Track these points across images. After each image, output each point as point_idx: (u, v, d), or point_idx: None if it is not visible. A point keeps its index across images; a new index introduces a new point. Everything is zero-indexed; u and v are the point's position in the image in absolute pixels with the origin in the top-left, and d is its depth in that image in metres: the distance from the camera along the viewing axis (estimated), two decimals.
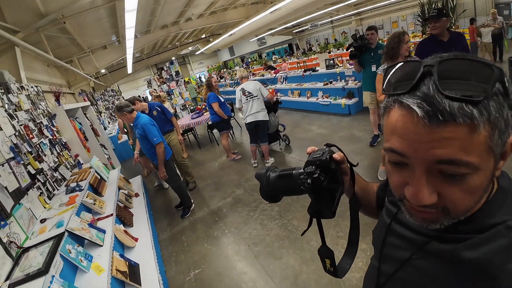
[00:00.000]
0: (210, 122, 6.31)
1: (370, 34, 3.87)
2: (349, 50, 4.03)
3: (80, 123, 4.07)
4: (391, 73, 0.44)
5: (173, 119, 4.38)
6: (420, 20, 9.41)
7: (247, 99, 4.21)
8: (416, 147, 0.38)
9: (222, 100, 5.09)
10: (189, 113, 8.51)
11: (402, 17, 11.82)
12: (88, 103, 4.78)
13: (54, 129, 3.17)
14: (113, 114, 9.10)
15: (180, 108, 8.74)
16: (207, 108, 5.98)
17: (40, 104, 3.00)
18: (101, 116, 7.16)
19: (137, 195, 3.80)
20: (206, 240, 3.05)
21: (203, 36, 14.06)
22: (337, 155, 0.65)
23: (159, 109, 4.20)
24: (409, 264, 0.52)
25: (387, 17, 12.71)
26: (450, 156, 0.36)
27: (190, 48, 16.66)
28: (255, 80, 5.58)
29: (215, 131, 6.64)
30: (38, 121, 2.77)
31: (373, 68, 3.84)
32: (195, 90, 13.97)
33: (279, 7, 8.77)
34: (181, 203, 3.79)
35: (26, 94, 2.71)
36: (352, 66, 5.38)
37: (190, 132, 6.86)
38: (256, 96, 4.19)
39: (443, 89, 0.34)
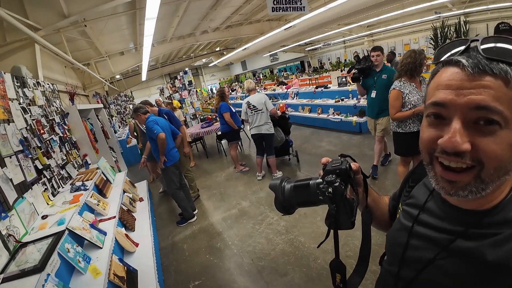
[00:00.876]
0: (219, 132, 6.33)
1: (375, 56, 3.41)
2: (352, 72, 3.63)
3: (91, 124, 4.09)
4: (441, 47, 0.50)
5: (182, 128, 4.34)
6: (433, 44, 9.41)
7: (252, 112, 4.26)
8: (457, 94, 0.42)
9: (234, 110, 5.10)
10: (198, 123, 8.57)
11: (414, 40, 11.89)
12: (101, 105, 4.84)
13: (66, 127, 3.18)
14: (123, 118, 9.24)
15: (190, 117, 8.80)
16: (217, 118, 6.00)
17: (55, 102, 3.02)
18: (112, 119, 7.25)
19: (141, 199, 3.74)
20: (209, 251, 2.93)
21: (218, 49, 14.39)
22: (353, 165, 0.67)
23: (166, 117, 4.18)
24: (433, 265, 0.52)
25: (399, 39, 12.79)
26: (485, 102, 0.40)
27: (203, 60, 17.03)
28: (265, 94, 5.59)
29: (223, 141, 6.62)
30: (50, 118, 2.78)
31: (373, 95, 3.48)
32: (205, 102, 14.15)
33: (294, 24, 8.95)
34: (183, 211, 3.70)
35: (42, 90, 2.73)
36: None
37: (199, 141, 6.85)
38: (261, 109, 4.21)
39: (484, 51, 0.42)
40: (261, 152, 4.48)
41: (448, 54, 0.47)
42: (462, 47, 0.46)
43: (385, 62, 4.08)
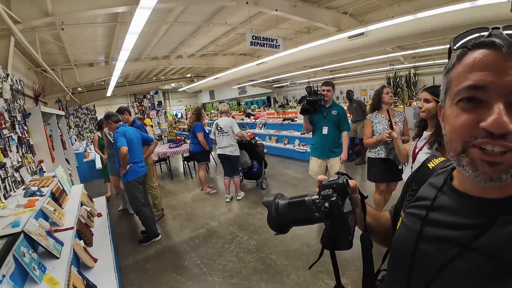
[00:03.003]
0: (187, 154, 6.21)
1: (326, 91, 3.12)
2: (301, 104, 3.26)
3: (51, 130, 3.77)
4: (458, 36, 0.49)
5: (153, 143, 4.21)
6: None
7: (219, 134, 4.45)
8: (497, 75, 0.40)
9: (207, 131, 5.13)
10: (163, 144, 8.31)
11: (370, 86, 13.52)
12: (63, 112, 4.51)
13: (26, 128, 2.90)
14: (81, 132, 8.56)
15: (156, 138, 8.52)
16: (187, 138, 5.92)
17: (19, 99, 2.78)
18: (70, 131, 6.69)
19: (99, 215, 3.42)
20: (175, 270, 2.73)
21: (189, 75, 14.56)
22: (351, 182, 0.62)
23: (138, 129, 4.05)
24: (448, 268, 0.46)
25: (357, 84, 14.41)
26: None
27: (172, 85, 17.00)
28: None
29: (191, 163, 6.48)
30: (13, 114, 2.53)
31: (324, 131, 3.15)
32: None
33: (266, 61, 9.62)
34: (147, 229, 3.44)
35: (11, 84, 2.52)
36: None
37: (164, 162, 6.60)
38: (226, 132, 4.40)
39: (510, 36, 0.41)
40: (229, 173, 4.53)
41: (468, 38, 0.46)
42: (485, 33, 0.44)
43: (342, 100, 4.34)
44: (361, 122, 6.02)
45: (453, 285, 0.46)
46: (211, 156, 6.21)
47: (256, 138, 9.14)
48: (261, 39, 5.93)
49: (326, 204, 0.55)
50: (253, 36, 5.73)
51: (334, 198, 0.55)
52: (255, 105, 19.40)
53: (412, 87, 10.83)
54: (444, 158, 0.68)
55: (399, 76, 11.14)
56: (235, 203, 4.45)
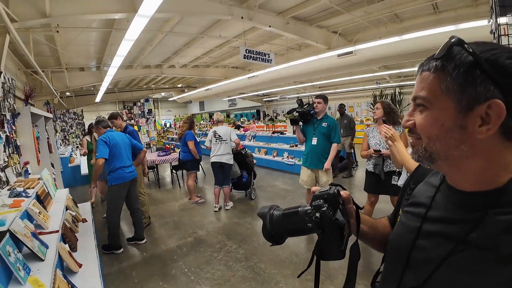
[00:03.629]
0: (175, 163, 6.16)
1: (317, 103, 3.26)
2: (290, 115, 3.36)
3: (38, 132, 3.69)
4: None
5: (143, 151, 4.17)
6: (372, 108, 11.28)
7: (217, 141, 4.47)
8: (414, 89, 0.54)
9: (198, 140, 5.14)
10: (151, 152, 8.19)
11: (357, 104, 13.97)
12: (51, 115, 4.43)
13: (14, 128, 2.84)
14: (67, 137, 8.33)
15: (145, 146, 8.39)
16: (177, 147, 5.88)
17: (9, 98, 2.73)
18: (56, 135, 6.50)
19: (84, 220, 3.32)
20: (162, 278, 2.67)
21: (180, 85, 14.61)
22: (344, 193, 0.64)
23: (129, 136, 4.01)
24: (445, 263, 0.48)
25: (345, 101, 14.82)
26: (416, 93, 0.53)
27: (162, 94, 16.97)
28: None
29: (179, 172, 6.41)
30: (3, 113, 2.48)
31: (314, 142, 3.27)
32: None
33: (257, 74, 9.84)
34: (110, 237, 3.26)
35: (3, 81, 2.48)
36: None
37: (152, 170, 6.51)
38: (225, 140, 4.46)
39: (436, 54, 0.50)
40: (219, 182, 4.52)
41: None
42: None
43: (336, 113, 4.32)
44: (348, 138, 6.20)
45: (450, 279, 0.47)
46: (200, 165, 6.20)
47: (246, 149, 9.27)
48: (254, 53, 6.10)
49: (317, 214, 0.56)
50: (246, 49, 5.90)
51: (324, 208, 0.56)
52: (245, 118, 19.57)
53: (398, 105, 11.33)
54: None
55: (385, 94, 11.67)
56: (224, 213, 4.43)
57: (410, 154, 0.54)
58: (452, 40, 0.47)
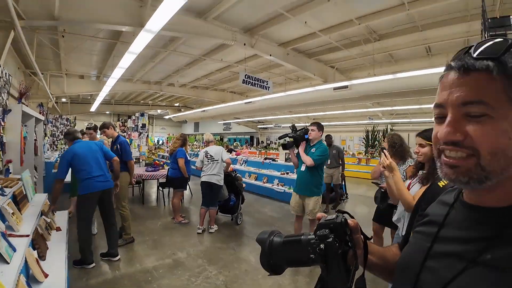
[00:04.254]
0: (162, 180, 6.01)
1: (311, 130, 3.27)
2: (283, 139, 3.35)
3: (26, 132, 3.59)
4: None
5: (130, 162, 4.07)
6: (364, 142, 11.58)
7: (208, 161, 4.43)
8: (449, 93, 0.46)
9: (188, 159, 5.09)
10: (140, 166, 8.01)
11: (350, 137, 14.29)
12: (43, 117, 4.35)
13: (3, 124, 2.76)
14: (55, 142, 8.10)
15: (134, 160, 8.23)
16: (166, 164, 5.77)
17: (3, 93, 2.68)
18: (44, 138, 6.33)
19: (58, 229, 3.13)
20: None
21: (177, 104, 14.75)
22: (351, 221, 0.58)
23: (119, 146, 3.92)
24: (454, 283, 0.45)
25: (338, 134, 15.16)
26: (470, 98, 0.44)
27: (159, 111, 17.05)
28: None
29: (166, 191, 6.25)
30: None
31: (302, 167, 3.25)
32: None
33: (254, 100, 10.06)
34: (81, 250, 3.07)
35: (0, 75, 2.46)
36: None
37: (138, 185, 6.32)
38: (217, 160, 4.42)
39: (474, 52, 0.46)
40: (207, 203, 4.41)
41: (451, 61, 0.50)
42: (462, 52, 0.49)
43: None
44: (337, 169, 6.17)
45: None
46: (188, 185, 6.05)
47: (236, 172, 9.18)
48: (253, 79, 6.30)
49: (322, 246, 0.50)
50: (246, 75, 6.09)
51: (330, 240, 0.50)
52: (238, 143, 19.65)
53: None
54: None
55: (377, 130, 12.03)
56: (207, 236, 4.25)
57: (449, 175, 0.47)
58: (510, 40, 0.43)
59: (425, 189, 0.75)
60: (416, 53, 6.11)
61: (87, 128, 3.41)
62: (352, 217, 0.59)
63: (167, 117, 17.84)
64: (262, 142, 19.63)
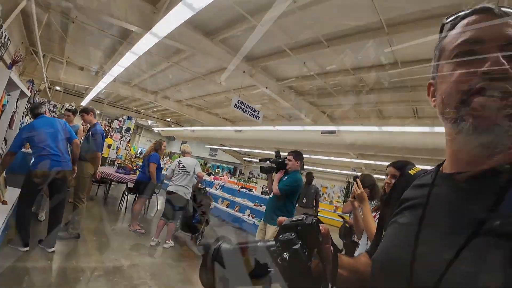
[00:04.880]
0: (130, 185, 5.78)
1: (287, 159, 3.12)
2: (264, 163, 3.27)
3: (7, 101, 3.50)
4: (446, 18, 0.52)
5: (97, 154, 3.89)
6: (344, 192, 11.76)
7: (179, 171, 4.30)
8: (492, 30, 0.43)
9: (162, 166, 4.98)
10: (112, 167, 7.75)
11: (331, 185, 14.36)
12: (29, 94, 4.28)
13: None
14: None
15: (108, 162, 7.97)
16: (136, 170, 5.62)
17: None
18: (24, 116, 6.09)
19: (4, 202, 2.91)
20: None
21: (168, 119, 14.78)
22: (322, 227, 0.44)
23: (90, 133, 3.72)
24: (458, 259, 0.38)
25: (320, 181, 15.22)
26: None
27: (149, 122, 16.96)
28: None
29: (131, 199, 5.98)
30: None
31: (271, 195, 3.22)
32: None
33: (243, 129, 10.21)
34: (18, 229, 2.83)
35: None
36: None
37: (104, 185, 6.05)
38: (189, 172, 4.30)
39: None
40: (167, 215, 4.20)
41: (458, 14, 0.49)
42: (469, 10, 0.47)
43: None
44: (311, 210, 6.07)
45: (464, 275, 0.38)
46: (155, 194, 5.82)
47: (207, 188, 8.92)
48: (245, 105, 6.47)
49: (285, 255, 0.36)
50: (238, 100, 6.26)
51: (297, 246, 0.37)
52: (220, 170, 19.43)
53: None
54: None
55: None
56: (160, 250, 3.99)
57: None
58: None
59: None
60: (404, 113, 6.46)
61: (66, 110, 3.34)
62: (322, 222, 0.45)
63: (156, 129, 17.74)
64: (243, 174, 19.49)
